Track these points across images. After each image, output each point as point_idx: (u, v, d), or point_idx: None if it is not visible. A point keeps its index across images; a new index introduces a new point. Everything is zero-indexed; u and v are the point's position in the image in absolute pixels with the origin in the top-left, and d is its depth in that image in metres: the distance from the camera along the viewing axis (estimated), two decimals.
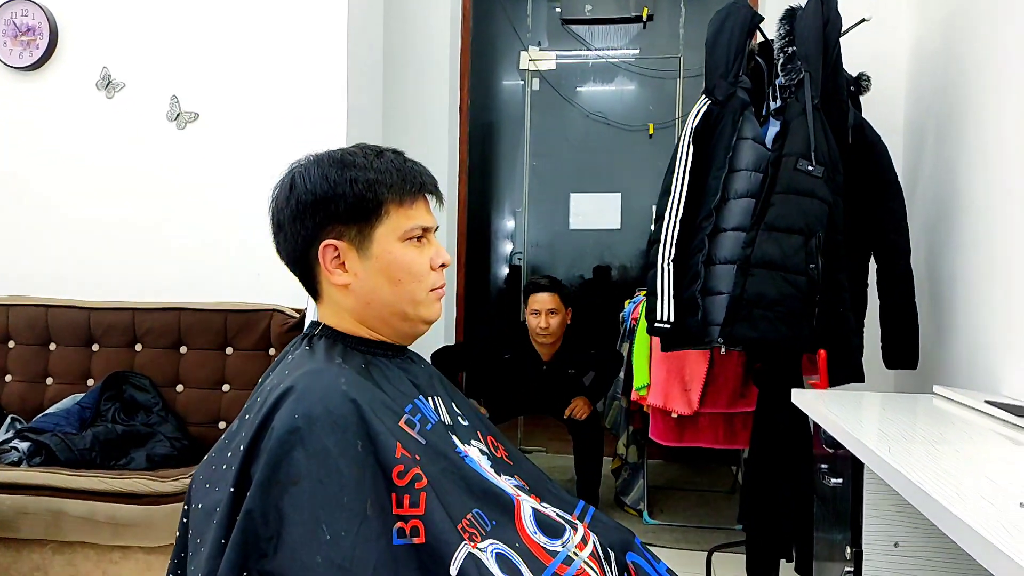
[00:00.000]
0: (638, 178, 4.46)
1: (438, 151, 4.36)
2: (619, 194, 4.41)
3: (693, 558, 2.73)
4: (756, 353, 2.27)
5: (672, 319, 2.15)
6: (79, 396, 2.70)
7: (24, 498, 2.20)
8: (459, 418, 1.09)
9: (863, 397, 1.91)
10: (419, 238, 1.03)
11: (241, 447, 0.88)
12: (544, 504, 1.06)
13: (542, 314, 3.05)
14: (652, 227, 4.23)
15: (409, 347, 1.13)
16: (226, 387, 2.74)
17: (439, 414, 1.03)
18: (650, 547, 1.18)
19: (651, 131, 4.34)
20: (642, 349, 2.63)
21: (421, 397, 1.02)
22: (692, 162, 2.20)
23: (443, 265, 1.06)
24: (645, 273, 2.26)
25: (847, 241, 2.06)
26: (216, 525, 0.84)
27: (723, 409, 2.52)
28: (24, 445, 2.41)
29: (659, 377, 2.56)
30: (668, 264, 2.17)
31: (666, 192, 2.22)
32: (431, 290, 1.04)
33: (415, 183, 1.02)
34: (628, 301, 3.49)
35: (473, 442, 1.07)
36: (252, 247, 2.90)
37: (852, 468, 1.41)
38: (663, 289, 2.16)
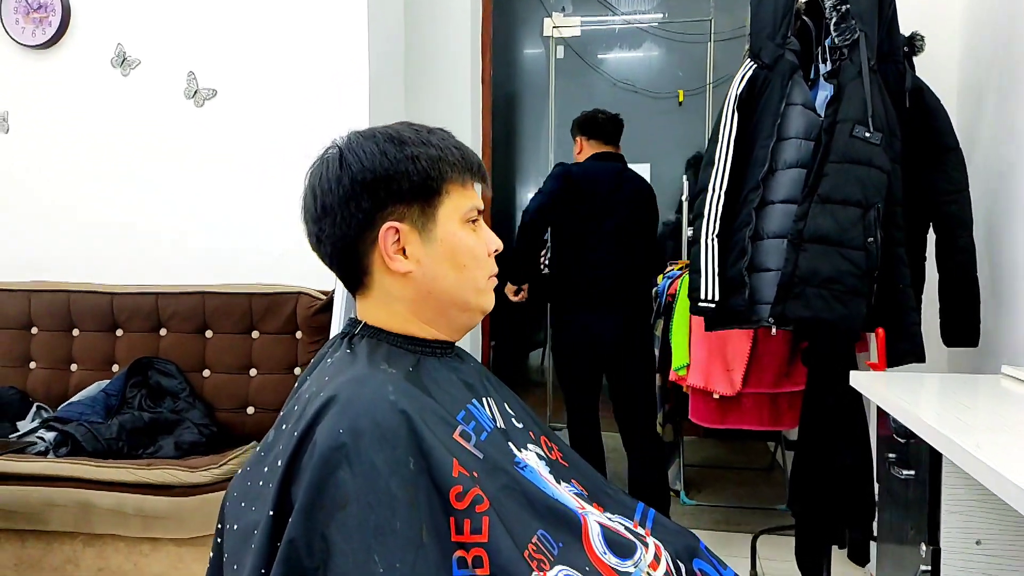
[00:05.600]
0: (667, 147, 4.32)
1: (461, 123, 4.24)
2: (648, 164, 4.27)
3: (734, 541, 2.66)
4: (805, 332, 2.16)
5: (717, 297, 2.04)
6: (104, 383, 2.65)
7: (52, 490, 2.15)
8: (512, 420, 1.00)
9: (924, 379, 1.81)
10: (474, 221, 0.94)
11: (279, 463, 0.79)
12: (608, 514, 0.97)
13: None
14: (684, 199, 4.14)
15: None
16: (253, 371, 2.68)
17: (494, 419, 0.94)
18: (692, 530, 1.09)
19: (680, 98, 4.19)
20: (681, 327, 2.52)
21: (475, 401, 0.92)
22: (737, 131, 2.07)
23: (497, 251, 0.96)
24: (689, 248, 2.14)
25: (905, 212, 1.93)
26: (255, 552, 0.76)
27: (767, 389, 2.42)
28: (50, 435, 2.36)
29: (700, 356, 2.46)
30: (713, 239, 2.06)
31: (709, 163, 2.10)
32: (488, 277, 0.95)
33: (474, 161, 0.92)
34: (661, 277, 3.38)
35: (530, 446, 0.98)
36: (274, 227, 2.81)
37: (929, 460, 1.31)
38: (707, 266, 2.05)
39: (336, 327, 2.23)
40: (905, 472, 1.40)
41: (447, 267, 0.91)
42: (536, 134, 4.38)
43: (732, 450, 3.58)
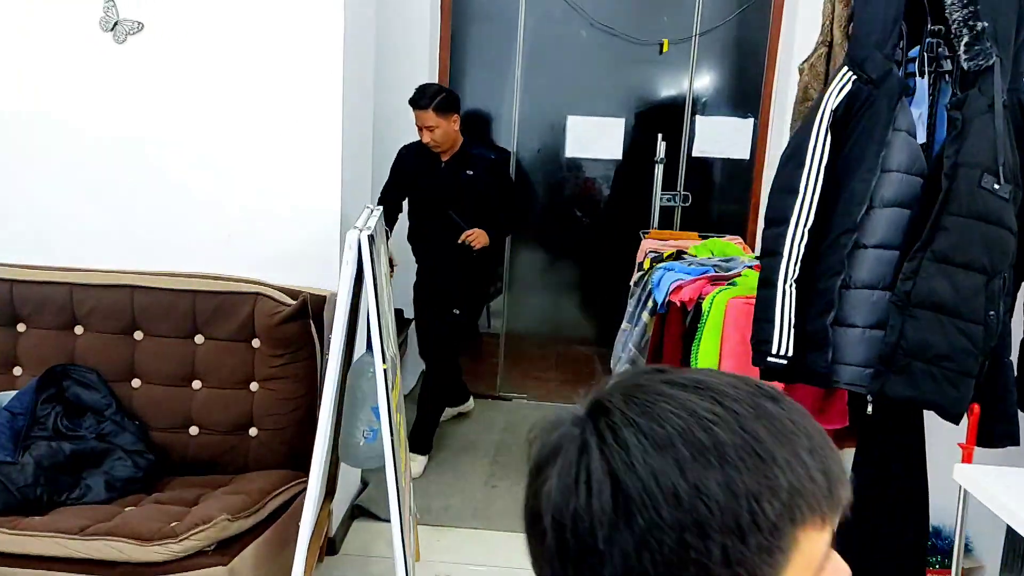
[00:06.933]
0: (647, 101, 3.93)
1: (415, 57, 3.70)
2: (623, 119, 3.88)
3: None
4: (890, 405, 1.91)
5: (791, 353, 1.75)
6: (6, 396, 2.11)
7: None
8: None
9: None
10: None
11: None
12: None
13: (423, 130, 3.01)
14: (657, 160, 3.80)
15: None
16: (196, 384, 2.22)
17: None
18: None
19: (665, 47, 3.78)
20: (710, 350, 2.24)
21: None
22: (829, 156, 1.74)
23: None
24: (759, 291, 1.82)
25: (1017, 274, 1.69)
26: None
27: None
28: None
29: None
30: (791, 286, 1.75)
31: (788, 190, 1.77)
32: None
33: (842, 486, 0.54)
34: (648, 263, 3.07)
35: None
36: (218, 198, 2.29)
37: None
38: (782, 316, 1.75)
39: (338, 342, 1.80)
40: None
41: None
42: (501, 76, 3.89)
43: None
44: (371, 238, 1.70)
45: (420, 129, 3.00)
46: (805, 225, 1.74)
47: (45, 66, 2.24)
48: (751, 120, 3.86)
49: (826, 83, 1.99)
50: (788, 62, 3.64)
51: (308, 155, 2.25)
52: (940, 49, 1.79)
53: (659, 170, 3.87)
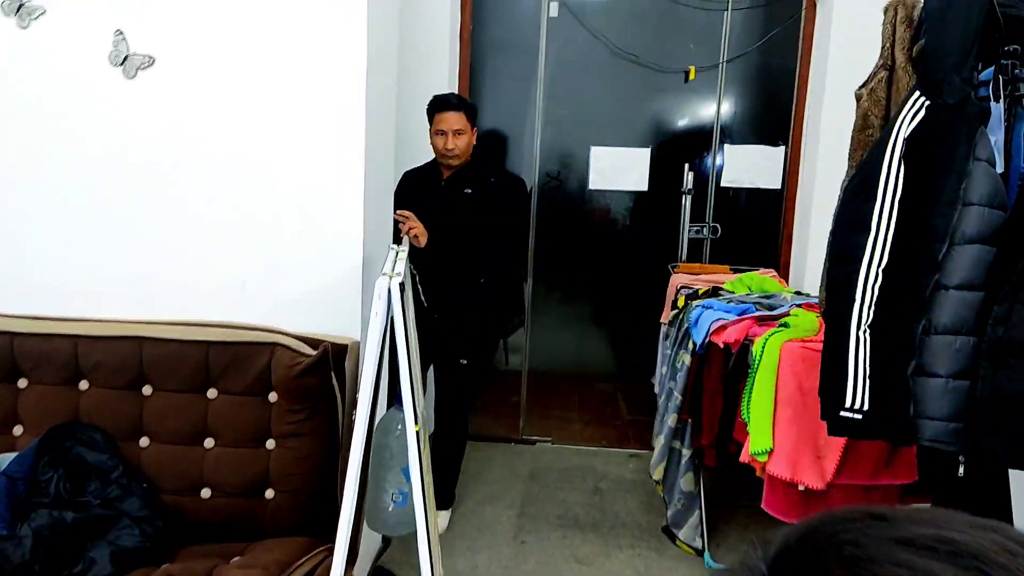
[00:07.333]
0: (672, 131, 3.80)
1: (435, 89, 3.58)
2: (648, 149, 3.75)
3: None
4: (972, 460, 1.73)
5: (867, 406, 1.58)
6: (6, 459, 1.96)
7: None
8: None
9: None
10: None
11: None
12: None
13: (448, 134, 2.77)
14: (685, 191, 3.66)
15: None
16: (209, 442, 2.06)
17: None
18: None
19: (691, 75, 3.66)
20: (763, 402, 2.07)
21: None
22: (904, 189, 1.58)
23: None
24: (827, 340, 1.66)
25: None
26: None
27: (863, 481, 2.03)
28: None
29: (787, 443, 2.02)
30: (864, 332, 1.58)
31: (858, 227, 1.61)
32: None
33: None
34: (689, 301, 2.91)
35: None
36: (232, 240, 2.15)
37: None
38: (856, 366, 1.58)
39: (366, 399, 1.65)
40: None
41: None
42: (523, 106, 3.76)
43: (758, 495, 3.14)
44: (401, 286, 1.55)
45: (441, 135, 2.77)
46: (879, 265, 1.58)
47: (50, 106, 2.12)
48: (782, 148, 3.72)
49: (888, 109, 1.85)
50: (820, 87, 3.51)
51: (328, 194, 2.11)
52: (1017, 71, 1.64)
53: (687, 201, 3.73)
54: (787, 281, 3.60)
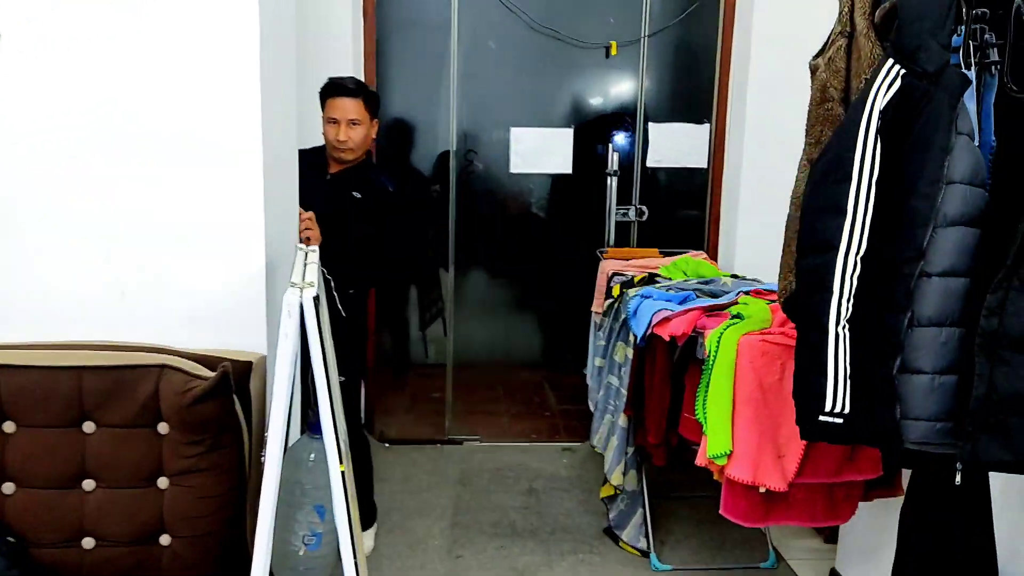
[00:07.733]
0: (596, 110, 3.61)
1: (338, 71, 3.28)
2: (571, 129, 3.55)
3: None
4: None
5: (848, 409, 1.43)
6: None
7: None
8: None
9: None
10: None
11: None
12: None
13: (341, 124, 2.43)
14: (609, 172, 3.48)
15: None
16: (89, 484, 1.73)
17: None
18: None
19: (613, 50, 3.48)
20: (720, 401, 1.90)
21: None
22: (880, 167, 1.43)
23: None
24: (811, 344, 1.49)
25: None
26: None
27: (826, 479, 1.89)
28: None
29: (748, 445, 1.86)
30: (844, 327, 1.42)
31: (831, 210, 1.45)
32: None
33: None
34: (628, 290, 2.73)
35: None
36: (108, 248, 1.82)
37: None
38: (836, 365, 1.42)
39: (279, 427, 1.38)
40: None
41: None
42: (435, 85, 3.50)
43: (703, 493, 3.00)
44: (316, 299, 1.28)
45: (334, 123, 2.44)
46: (858, 253, 1.42)
47: None
48: (707, 126, 3.59)
49: (848, 80, 1.70)
50: (744, 62, 3.39)
51: (221, 186, 1.81)
52: (986, 36, 1.51)
53: (612, 183, 3.56)
54: (716, 262, 3.48)
